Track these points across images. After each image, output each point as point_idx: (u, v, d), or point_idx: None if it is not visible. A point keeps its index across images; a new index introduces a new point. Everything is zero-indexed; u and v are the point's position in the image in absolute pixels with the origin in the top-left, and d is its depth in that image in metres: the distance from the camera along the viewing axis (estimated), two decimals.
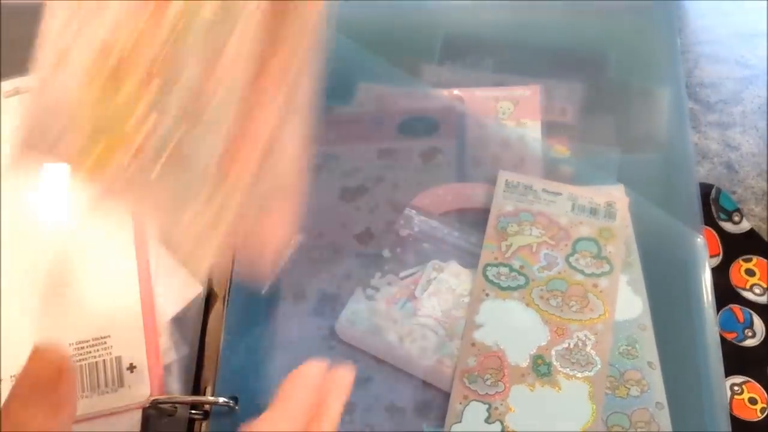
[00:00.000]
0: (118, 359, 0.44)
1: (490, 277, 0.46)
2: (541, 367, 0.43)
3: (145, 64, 0.27)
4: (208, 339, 0.46)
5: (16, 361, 0.44)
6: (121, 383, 0.44)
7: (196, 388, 0.45)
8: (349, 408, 0.43)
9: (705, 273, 0.46)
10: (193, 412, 0.43)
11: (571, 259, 0.46)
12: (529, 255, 0.47)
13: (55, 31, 0.28)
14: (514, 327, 0.45)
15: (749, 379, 0.48)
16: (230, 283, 0.47)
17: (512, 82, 0.53)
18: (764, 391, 0.47)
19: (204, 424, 0.43)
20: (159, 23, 0.27)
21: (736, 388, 0.47)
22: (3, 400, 0.42)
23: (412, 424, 0.43)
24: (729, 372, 0.46)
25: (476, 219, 0.48)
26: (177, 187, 0.28)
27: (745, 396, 0.46)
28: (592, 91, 0.49)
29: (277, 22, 0.29)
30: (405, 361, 0.44)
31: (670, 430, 0.41)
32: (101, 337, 0.45)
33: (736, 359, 0.48)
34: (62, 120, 0.27)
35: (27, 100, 0.28)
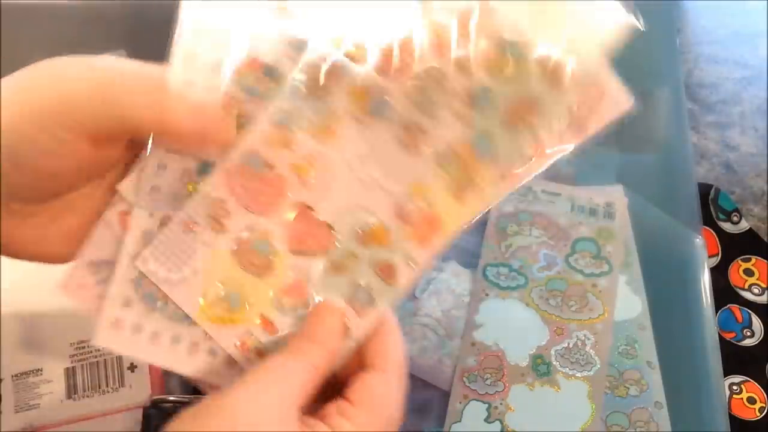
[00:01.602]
0: (119, 359, 0.44)
1: (490, 277, 0.46)
2: (540, 367, 0.43)
3: None
4: None
5: (16, 360, 0.45)
6: (122, 383, 0.44)
7: (197, 387, 0.45)
8: None
9: (704, 273, 0.46)
10: None
11: (571, 259, 0.46)
12: (528, 255, 0.47)
13: None
14: (513, 327, 0.45)
15: (748, 378, 0.48)
16: None
17: None
18: (763, 391, 0.47)
19: None
20: None
21: (734, 387, 0.47)
22: (3, 401, 0.42)
23: (412, 423, 0.43)
24: (728, 372, 0.46)
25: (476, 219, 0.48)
26: None
27: (744, 395, 0.46)
28: None
29: None
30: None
31: (669, 429, 0.41)
32: None
33: (735, 359, 0.49)
34: None
35: None
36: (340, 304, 0.32)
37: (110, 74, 0.31)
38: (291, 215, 0.33)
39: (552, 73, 0.31)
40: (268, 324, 0.33)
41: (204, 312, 0.33)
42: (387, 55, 0.32)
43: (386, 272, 0.33)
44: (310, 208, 0.33)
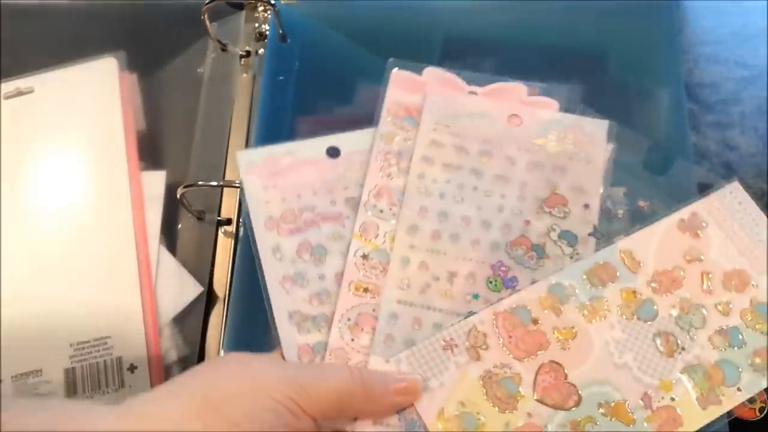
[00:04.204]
0: (119, 360, 0.44)
1: None
2: None
3: None
4: (208, 339, 0.46)
5: (16, 361, 0.45)
6: (122, 384, 0.44)
7: None
8: None
9: None
10: None
11: None
12: None
13: None
14: None
15: None
16: (230, 283, 0.47)
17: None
18: (763, 391, 0.47)
19: None
20: None
21: None
22: (3, 401, 0.42)
23: None
24: None
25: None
26: None
27: None
28: (592, 91, 0.49)
29: None
30: None
31: None
32: (102, 338, 0.45)
33: None
34: None
35: None
36: None
37: (347, 387, 0.35)
38: (543, 367, 0.37)
39: None
40: None
41: (440, 425, 0.36)
42: (659, 274, 0.40)
43: None
44: (562, 367, 0.38)
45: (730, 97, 0.56)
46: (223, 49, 0.54)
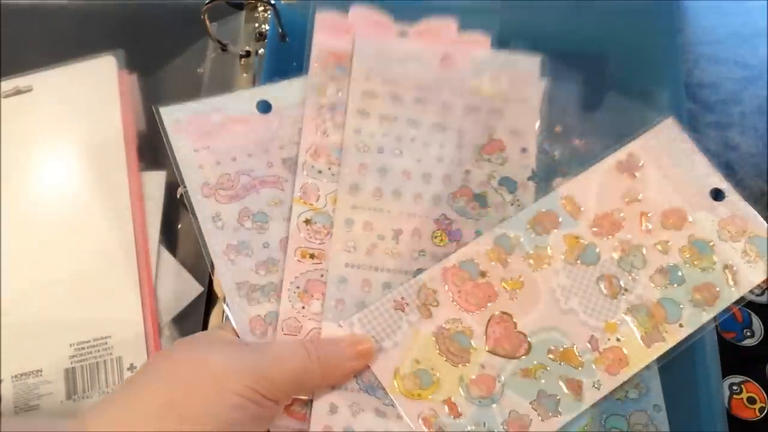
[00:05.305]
0: (119, 359, 0.44)
1: None
2: None
3: None
4: None
5: (16, 361, 0.45)
6: (122, 383, 0.44)
7: None
8: None
9: None
10: None
11: None
12: None
13: None
14: None
15: (748, 378, 0.48)
16: None
17: None
18: (763, 391, 0.47)
19: None
20: None
21: (734, 387, 0.47)
22: (3, 402, 0.42)
23: None
24: (728, 371, 0.46)
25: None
26: None
27: (744, 395, 0.46)
28: (592, 91, 0.49)
29: None
30: None
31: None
32: (102, 338, 0.45)
33: (735, 359, 0.48)
34: None
35: None
36: (524, 407, 0.37)
37: (304, 366, 0.35)
38: (493, 319, 0.38)
39: (733, 274, 0.40)
40: (453, 407, 0.37)
41: (396, 383, 0.37)
42: (600, 218, 0.41)
43: (573, 387, 0.37)
44: (511, 317, 0.38)
45: (730, 97, 0.56)
46: (223, 49, 0.54)
